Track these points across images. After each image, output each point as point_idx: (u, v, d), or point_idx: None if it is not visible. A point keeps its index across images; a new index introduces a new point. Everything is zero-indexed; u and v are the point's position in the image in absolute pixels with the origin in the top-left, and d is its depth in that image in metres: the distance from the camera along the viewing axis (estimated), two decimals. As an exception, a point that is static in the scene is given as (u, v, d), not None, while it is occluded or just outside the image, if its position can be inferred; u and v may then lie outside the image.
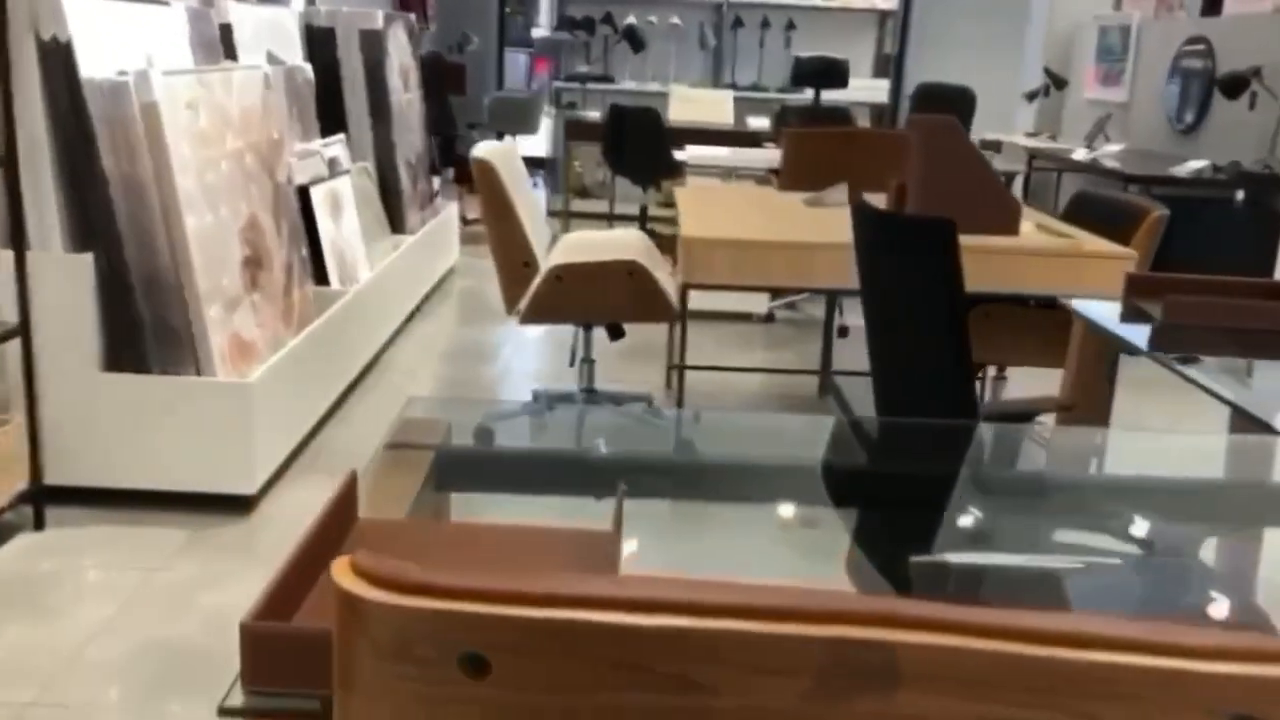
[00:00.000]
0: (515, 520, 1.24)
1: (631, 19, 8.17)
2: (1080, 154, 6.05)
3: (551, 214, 8.36)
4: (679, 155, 6.59)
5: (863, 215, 1.74)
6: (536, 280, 3.31)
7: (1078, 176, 6.71)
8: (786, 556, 1.57)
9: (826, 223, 3.33)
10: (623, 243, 3.74)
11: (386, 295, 4.55)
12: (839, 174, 5.17)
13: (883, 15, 8.46)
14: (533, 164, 9.42)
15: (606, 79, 8.01)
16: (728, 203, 3.72)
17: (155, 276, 2.92)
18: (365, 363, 4.26)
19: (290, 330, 3.52)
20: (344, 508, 1.11)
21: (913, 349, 1.62)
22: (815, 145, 5.07)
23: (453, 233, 6.18)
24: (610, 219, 7.69)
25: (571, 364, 3.65)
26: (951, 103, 6.10)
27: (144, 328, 2.95)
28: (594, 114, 7.11)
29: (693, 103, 7.74)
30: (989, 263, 3.04)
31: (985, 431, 1.58)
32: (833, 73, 6.26)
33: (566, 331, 4.55)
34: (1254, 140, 5.53)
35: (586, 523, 1.51)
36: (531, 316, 3.31)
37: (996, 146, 7.15)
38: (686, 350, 4.58)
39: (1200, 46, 6.08)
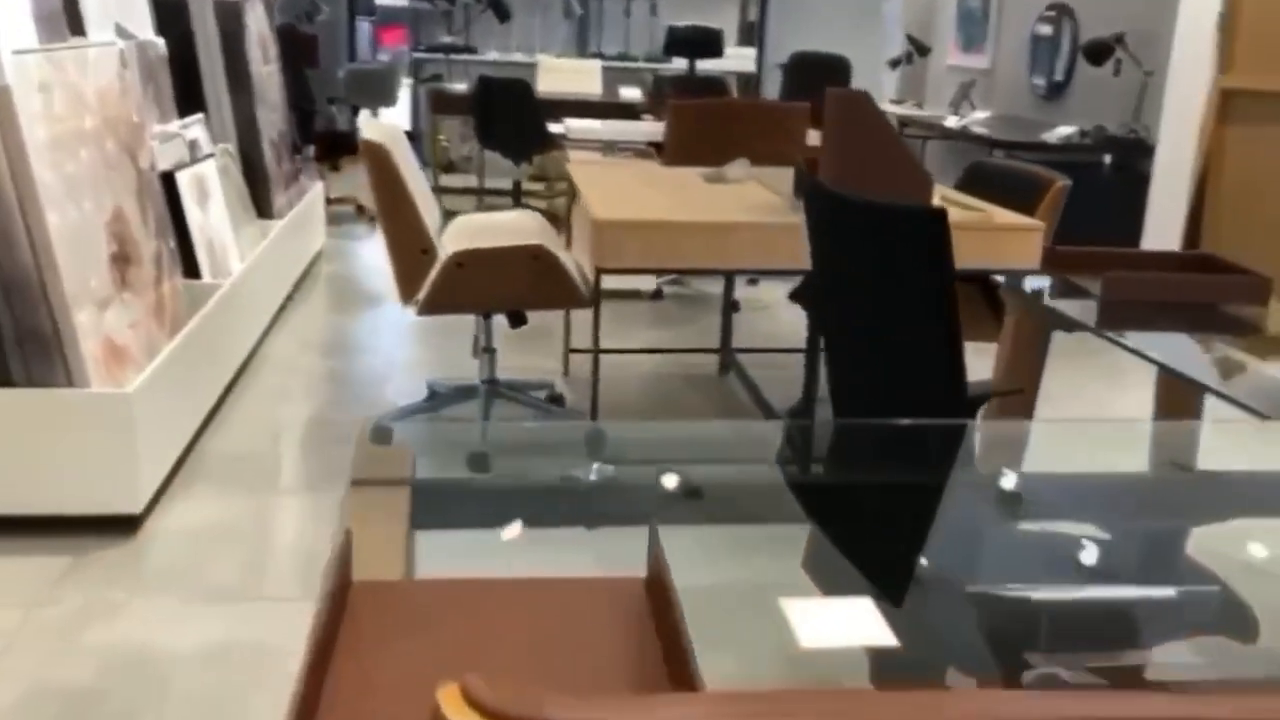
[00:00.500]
0: (522, 569, 1.11)
1: (493, -13, 7.91)
2: (951, 121, 6.13)
3: (417, 191, 8.08)
4: (553, 128, 6.43)
5: (830, 201, 1.65)
6: (435, 268, 3.12)
7: (945, 143, 6.82)
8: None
9: (735, 200, 3.25)
10: (519, 225, 3.58)
11: (259, 286, 4.28)
12: (726, 147, 5.11)
13: (746, -17, 8.42)
14: (395, 139, 9.03)
15: (469, 50, 7.75)
16: (626, 181, 3.60)
17: (16, 279, 2.63)
18: (242, 360, 4.00)
19: (164, 330, 3.25)
20: (340, 573, 0.96)
21: (897, 334, 1.54)
22: (700, 118, 4.99)
23: (319, 215, 5.88)
24: (480, 194, 7.47)
25: (475, 355, 3.48)
26: (827, 71, 6.09)
27: (5, 336, 2.66)
28: (460, 86, 6.86)
29: (560, 73, 7.56)
30: (902, 238, 3.00)
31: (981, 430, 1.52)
32: (707, 42, 6.17)
33: (449, 318, 4.35)
34: (1118, 105, 5.69)
35: (589, 559, 1.38)
36: (431, 307, 3.13)
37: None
38: (578, 331, 4.45)
39: (1059, 13, 6.22)
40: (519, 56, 7.94)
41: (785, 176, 3.83)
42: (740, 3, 8.55)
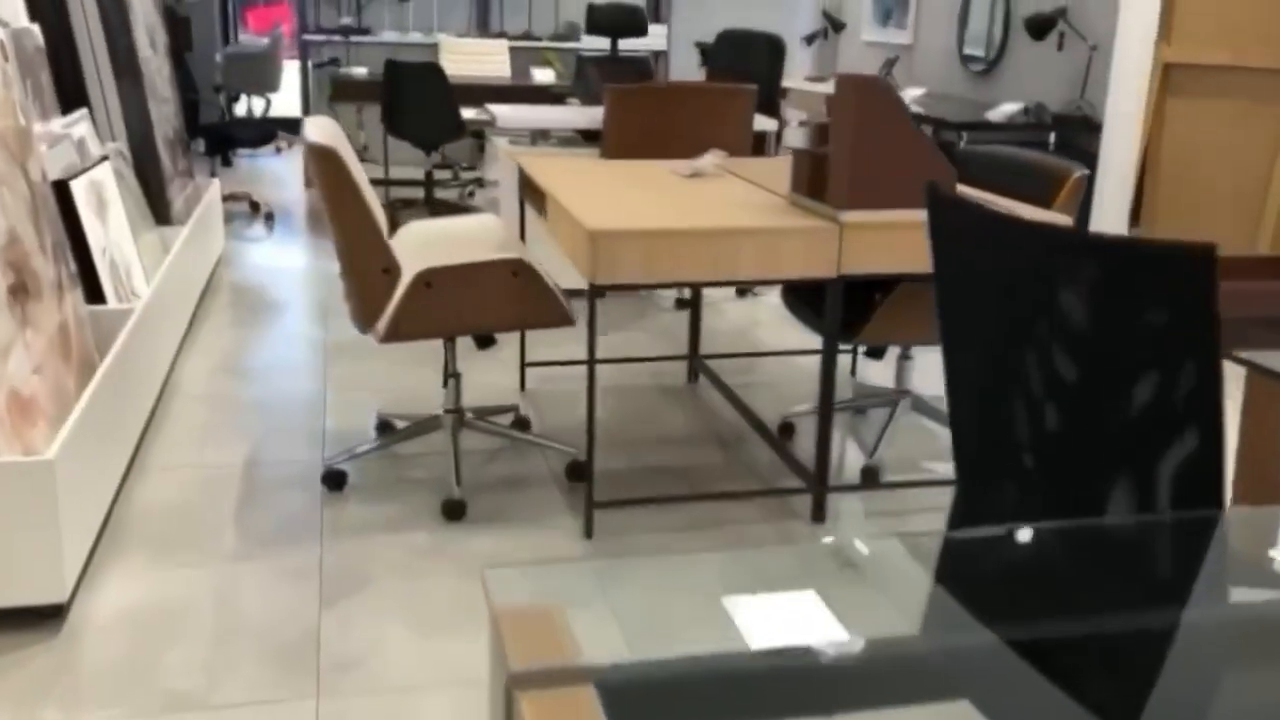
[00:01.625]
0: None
1: (386, -37, 7.37)
2: (889, 100, 5.89)
3: (313, 183, 7.52)
4: (466, 114, 5.98)
5: (1008, 230, 1.32)
6: (399, 290, 2.71)
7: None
8: None
9: (727, 200, 2.91)
10: (482, 234, 3.19)
11: (168, 306, 3.77)
12: (669, 135, 4.76)
13: (652, -43, 8.06)
14: (285, 126, 8.46)
15: (363, 31, 7.21)
16: (596, 179, 3.23)
17: (-104, 330, 2.13)
18: (156, 393, 3.50)
19: (71, 370, 2.76)
20: None
21: (1116, 412, 1.23)
22: (641, 104, 4.63)
23: (218, 217, 5.33)
24: (387, 185, 6.97)
25: (445, 384, 3.07)
26: (758, 49, 5.78)
27: (-116, 399, 2.17)
28: (360, 70, 6.35)
29: (464, 55, 7.10)
30: (919, 241, 2.72)
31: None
32: (630, 21, 5.80)
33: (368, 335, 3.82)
34: (1056, 81, 5.54)
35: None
36: (395, 334, 2.72)
37: (784, 94, 6.93)
38: (530, 340, 4.07)
39: (989, -13, 6.04)
40: (417, 37, 7.43)
41: (762, 167, 3.51)
42: (646, -22, 8.18)
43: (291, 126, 9.01)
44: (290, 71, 9.82)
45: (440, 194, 6.76)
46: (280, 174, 7.93)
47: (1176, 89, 5.41)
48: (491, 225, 3.25)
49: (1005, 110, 5.33)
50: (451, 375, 3.04)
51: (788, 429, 3.48)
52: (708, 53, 6.64)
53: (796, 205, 2.89)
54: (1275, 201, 5.14)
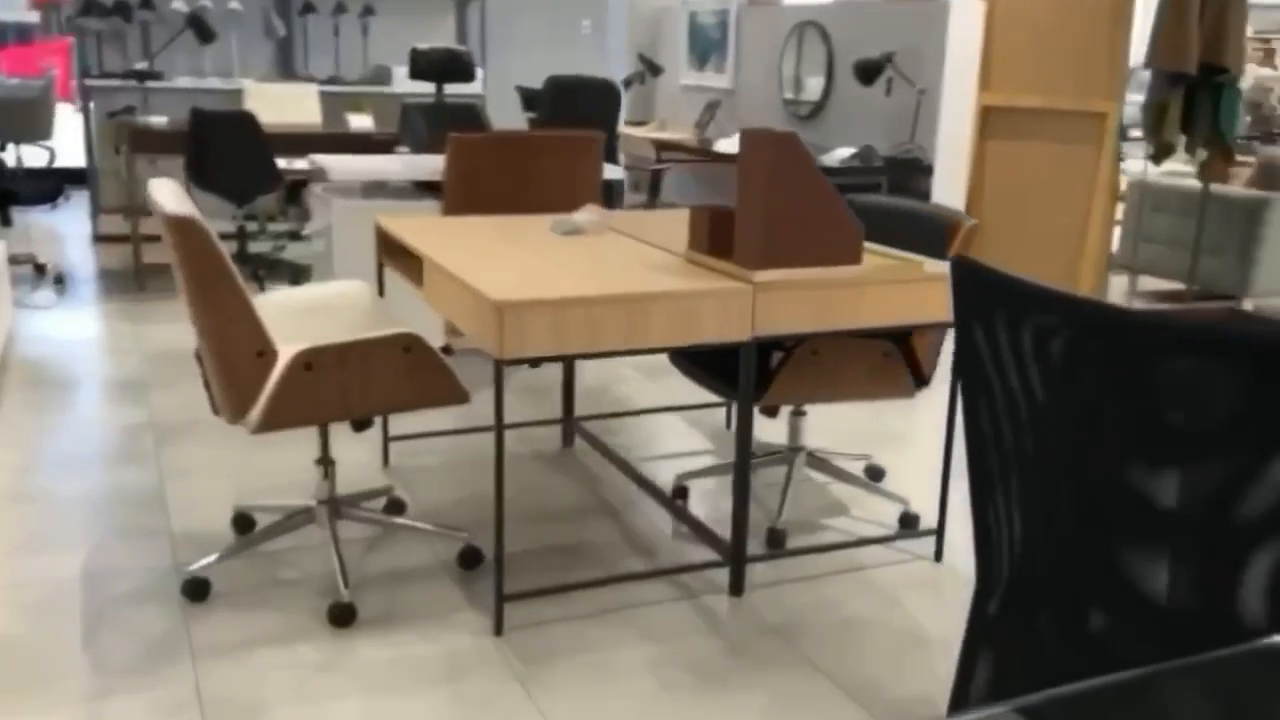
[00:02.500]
0: None
1: (179, 2, 6.86)
2: (724, 145, 5.89)
3: (103, 238, 6.89)
4: (289, 164, 5.61)
5: (1092, 318, 1.20)
6: (276, 373, 2.40)
7: (709, 167, 6.59)
8: None
9: (626, 260, 2.74)
10: (352, 303, 2.90)
11: (-32, 393, 3.28)
12: (518, 186, 4.56)
13: (462, 1, 7.85)
14: (68, 178, 7.80)
15: (155, 75, 6.68)
16: (466, 239, 3.00)
17: None
18: (-39, 497, 3.02)
19: None
20: None
21: (1231, 522, 1.12)
22: (488, 153, 4.42)
23: (4, 286, 4.76)
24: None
25: (326, 474, 2.75)
26: (592, 95, 5.67)
27: None
28: (158, 120, 5.85)
29: (271, 100, 6.69)
30: (831, 299, 2.63)
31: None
32: (458, 66, 5.58)
33: (201, 404, 3.31)
34: (885, 125, 5.66)
35: None
36: (272, 422, 2.40)
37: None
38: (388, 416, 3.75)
39: (807, 32, 6.14)
40: (216, 83, 6.95)
41: (641, 222, 3.37)
42: (457, 25, 7.96)
43: (73, 178, 8.28)
44: (65, 118, 9.04)
45: (254, 248, 6.30)
46: (63, 230, 7.24)
47: (993, 131, 5.62)
48: (359, 293, 2.97)
49: (839, 155, 5.40)
50: (327, 462, 2.74)
51: (682, 492, 3.33)
52: (533, 99, 6.48)
53: (699, 264, 2.75)
54: (1094, 240, 5.39)
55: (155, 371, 4.37)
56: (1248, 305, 5.96)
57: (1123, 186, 5.90)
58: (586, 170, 4.62)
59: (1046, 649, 1.43)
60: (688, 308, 2.49)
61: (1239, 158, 5.64)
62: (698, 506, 3.27)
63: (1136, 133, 5.88)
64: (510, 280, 2.48)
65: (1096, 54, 5.29)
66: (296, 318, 2.77)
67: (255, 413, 2.40)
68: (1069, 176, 5.48)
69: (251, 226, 6.92)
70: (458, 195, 4.42)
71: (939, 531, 2.97)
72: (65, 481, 3.27)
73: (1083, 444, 1.27)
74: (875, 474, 3.53)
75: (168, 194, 2.36)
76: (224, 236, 6.69)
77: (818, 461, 3.34)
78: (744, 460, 2.66)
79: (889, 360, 2.93)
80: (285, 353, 2.41)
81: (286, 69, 7.35)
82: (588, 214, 3.24)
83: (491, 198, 4.46)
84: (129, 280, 5.93)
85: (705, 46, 7.27)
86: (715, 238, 2.73)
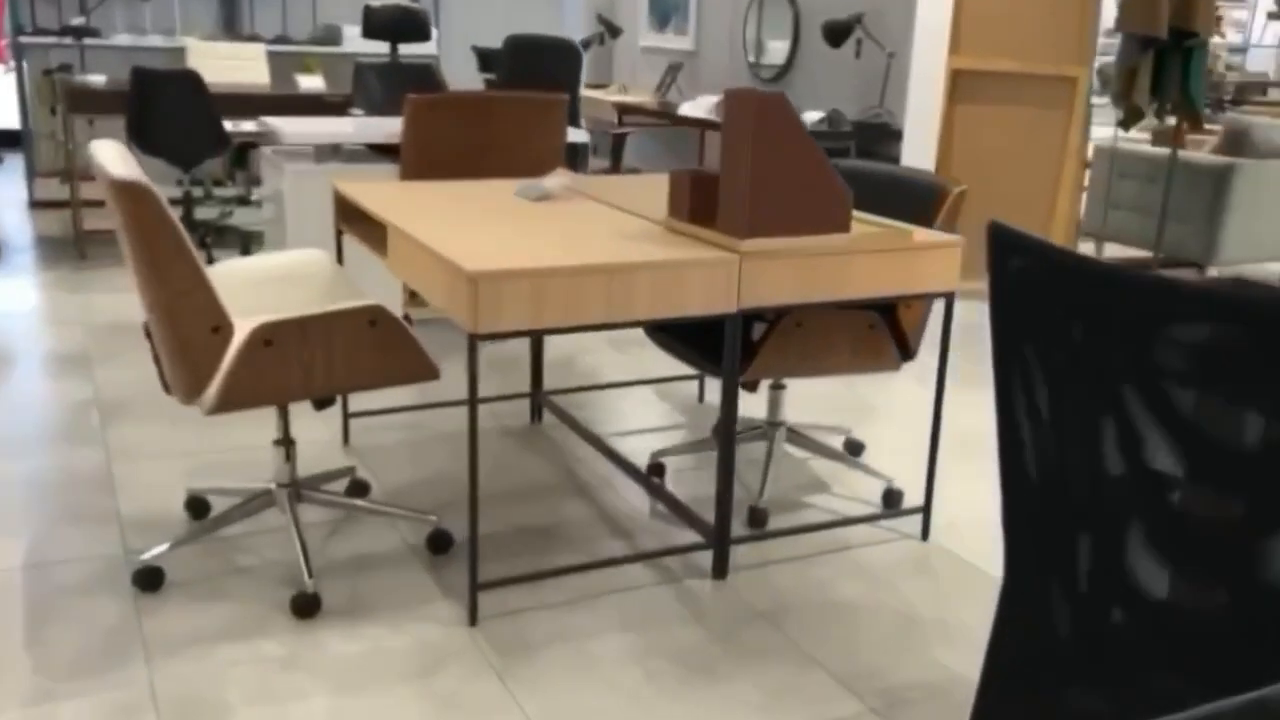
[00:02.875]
0: None
1: (116, -44, 6.55)
2: (688, 108, 5.74)
3: (40, 204, 6.60)
4: (237, 126, 5.38)
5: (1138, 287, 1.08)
6: (231, 351, 2.24)
7: (666, 130, 6.43)
8: None
9: (601, 227, 2.60)
10: (311, 272, 2.74)
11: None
12: (479, 150, 4.40)
13: (414, -44, 7.59)
14: (1, 140, 7.50)
15: (92, 32, 6.38)
16: (431, 206, 2.84)
17: None
18: (-110, 481, 2.83)
19: None
20: None
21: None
22: (446, 115, 4.24)
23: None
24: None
25: (287, 456, 2.59)
26: (552, 55, 5.49)
27: None
28: (96, 78, 5.58)
29: (216, 60, 6.42)
30: (819, 269, 2.51)
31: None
32: (414, 24, 5.37)
33: (146, 375, 3.08)
34: (853, 89, 5.54)
35: None
36: (229, 402, 2.24)
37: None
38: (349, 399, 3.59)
39: (774, -7, 5.99)
40: (158, 40, 6.66)
41: (612, 187, 3.22)
42: (408, -22, 7.69)
43: (8, 140, 7.93)
44: (-4, 77, 8.67)
45: (200, 214, 6.06)
46: (-4, 195, 6.93)
47: (963, 95, 5.52)
48: (319, 262, 2.80)
49: (806, 118, 5.27)
50: (287, 443, 2.58)
51: (658, 469, 3.21)
52: (490, 59, 6.28)
53: (679, 233, 2.62)
54: (1064, 205, 5.32)
55: (100, 345, 4.16)
56: (1212, 273, 5.94)
57: (1089, 153, 5.84)
58: (549, 133, 4.46)
59: (1060, 632, 1.33)
60: (671, 278, 2.35)
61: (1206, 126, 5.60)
62: (675, 485, 3.15)
63: (1100, 100, 5.82)
64: (482, 249, 2.33)
65: (1067, 18, 5.20)
66: (252, 289, 2.60)
67: (211, 392, 2.24)
68: (1039, 142, 5.40)
69: (197, 192, 6.67)
70: (415, 159, 4.25)
71: (925, 510, 2.88)
72: (5, 462, 3.08)
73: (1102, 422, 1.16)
74: (854, 448, 3.43)
75: (112, 156, 2.18)
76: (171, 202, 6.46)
77: (796, 436, 3.24)
78: (728, 439, 2.54)
79: (874, 332, 2.82)
80: (242, 328, 2.25)
81: (231, 28, 7.07)
82: (557, 179, 3.09)
83: (450, 162, 4.29)
84: (69, 248, 5.67)
85: (665, 7, 7.09)
86: (697, 204, 2.59)
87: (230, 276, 2.69)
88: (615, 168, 6.56)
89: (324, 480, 2.90)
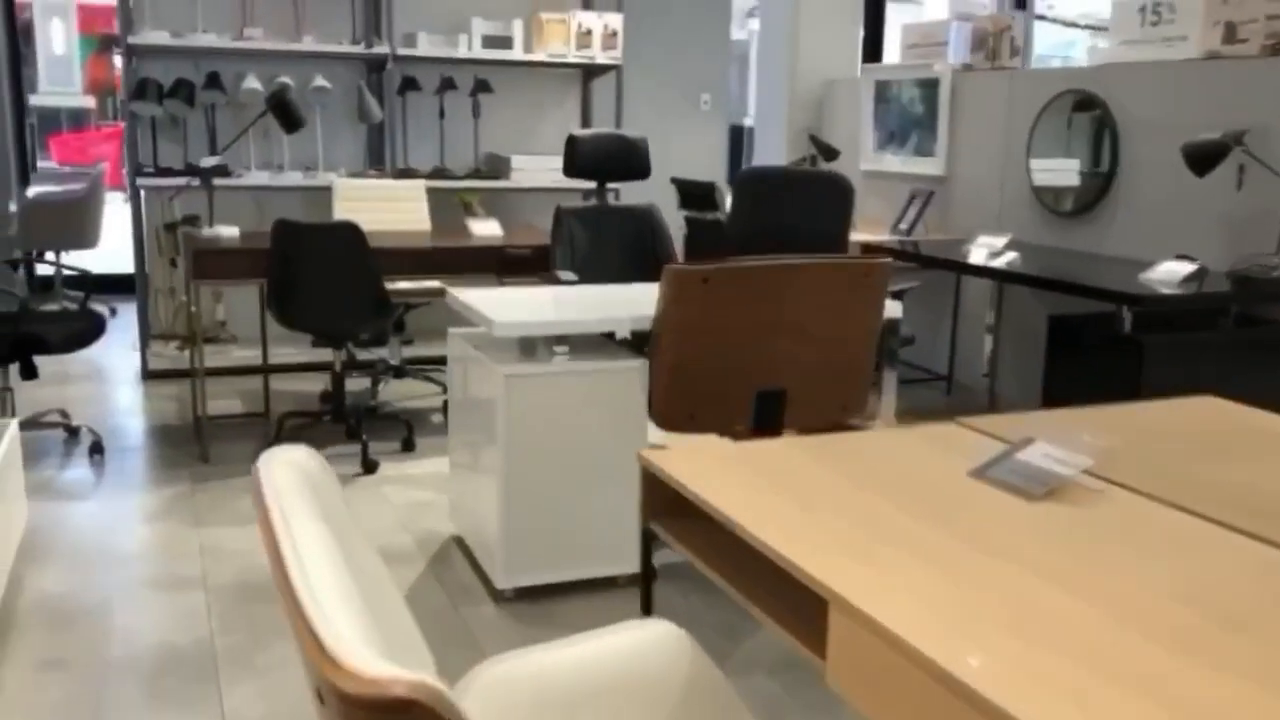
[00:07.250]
0: None
1: (253, 80, 5.51)
2: (978, 253, 4.38)
3: (154, 374, 5.48)
4: (394, 284, 4.19)
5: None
6: None
7: (979, 283, 5.08)
8: None
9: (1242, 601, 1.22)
10: (650, 683, 1.37)
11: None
12: (770, 335, 3.11)
13: (587, 72, 6.48)
14: (110, 285, 6.52)
15: (221, 171, 5.31)
16: (828, 500, 1.49)
17: None
18: None
19: None
20: None
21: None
22: (729, 293, 2.98)
23: (15, 471, 3.32)
24: (265, 373, 5.01)
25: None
26: (811, 194, 4.21)
27: None
28: (227, 231, 4.44)
29: (370, 202, 5.29)
30: None
31: None
32: (631, 157, 4.14)
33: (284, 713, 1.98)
34: (1207, 228, 4.13)
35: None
36: None
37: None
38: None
39: (1079, 99, 4.65)
40: (297, 177, 5.57)
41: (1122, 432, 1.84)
42: (580, 100, 6.58)
43: (113, 284, 6.93)
44: (114, 209, 7.79)
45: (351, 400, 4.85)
46: (104, 360, 5.84)
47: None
48: (665, 658, 1.44)
49: (1166, 272, 3.86)
50: None
51: None
52: (696, 196, 5.04)
53: None
54: None
55: (228, 628, 2.88)
56: None
57: None
58: (865, 310, 3.14)
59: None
60: None
61: None
62: None
63: None
64: (1035, 671, 0.95)
65: None
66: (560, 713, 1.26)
67: None
68: None
69: (354, 374, 5.48)
70: (675, 350, 2.96)
71: None
72: None
73: None
74: None
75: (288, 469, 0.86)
76: (301, 368, 5.24)
77: None
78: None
79: None
80: None
81: (376, 159, 5.98)
82: (1081, 446, 1.71)
83: (725, 351, 2.98)
84: (188, 445, 4.48)
85: (903, 122, 5.81)
86: None
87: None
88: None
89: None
